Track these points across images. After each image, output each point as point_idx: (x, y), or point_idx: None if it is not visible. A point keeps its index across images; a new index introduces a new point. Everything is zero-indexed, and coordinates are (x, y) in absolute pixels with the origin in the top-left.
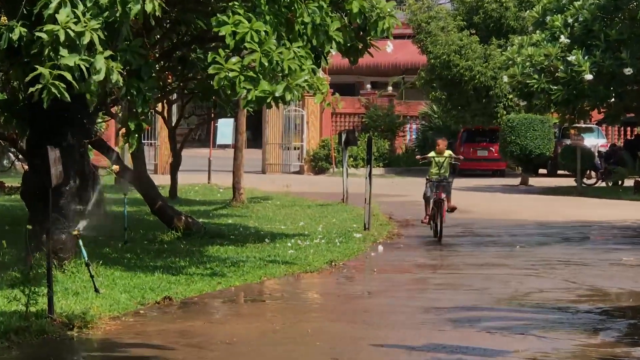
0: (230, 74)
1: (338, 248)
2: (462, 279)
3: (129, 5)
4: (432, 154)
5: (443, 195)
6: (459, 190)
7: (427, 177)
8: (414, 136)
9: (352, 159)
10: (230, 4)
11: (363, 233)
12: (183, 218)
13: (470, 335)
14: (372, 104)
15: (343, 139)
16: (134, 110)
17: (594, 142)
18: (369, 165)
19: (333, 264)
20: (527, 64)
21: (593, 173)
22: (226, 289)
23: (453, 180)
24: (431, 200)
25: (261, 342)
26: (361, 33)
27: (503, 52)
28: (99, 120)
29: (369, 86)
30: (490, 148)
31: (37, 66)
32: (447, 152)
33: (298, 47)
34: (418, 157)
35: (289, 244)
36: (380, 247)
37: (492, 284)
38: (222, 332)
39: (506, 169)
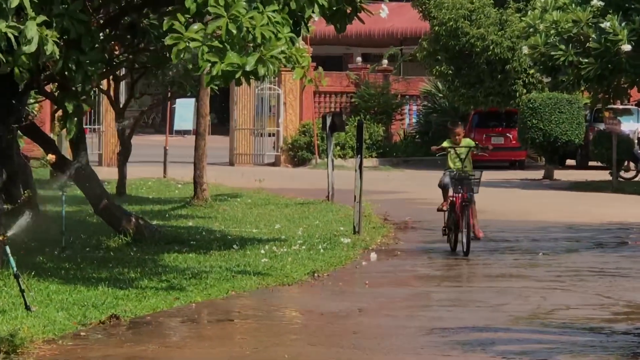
0: (191, 44)
1: (322, 256)
2: (472, 293)
3: None
4: (446, 143)
5: (459, 197)
6: None
7: (446, 171)
8: (414, 120)
9: (339, 148)
10: None
11: (352, 238)
12: (133, 220)
13: None
14: (364, 81)
15: (328, 124)
16: (73, 88)
17: (633, 126)
18: (359, 156)
19: (316, 275)
20: (552, 31)
21: (632, 165)
22: (185, 306)
23: (480, 179)
24: (450, 189)
25: None
26: None
27: (522, 18)
28: (31, 100)
29: (359, 59)
30: (507, 134)
31: None
32: (466, 141)
33: (273, 11)
34: (434, 148)
35: (262, 251)
36: (373, 255)
37: (509, 299)
38: (180, 359)
39: (526, 159)
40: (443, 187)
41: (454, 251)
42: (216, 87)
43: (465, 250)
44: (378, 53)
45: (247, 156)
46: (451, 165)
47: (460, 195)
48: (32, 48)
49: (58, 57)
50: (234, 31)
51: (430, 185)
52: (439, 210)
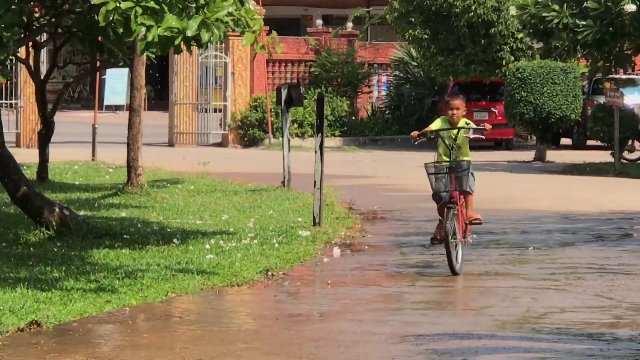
0: (122, 5)
1: (277, 251)
2: (451, 294)
3: None
4: (436, 124)
5: (459, 195)
6: None
7: (429, 164)
8: (383, 92)
9: (296, 126)
10: None
11: (312, 230)
12: (57, 210)
13: None
14: (325, 47)
15: (283, 97)
16: None
17: (638, 99)
18: (319, 134)
19: (269, 273)
20: None
21: (637, 144)
22: (118, 310)
23: (469, 166)
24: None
25: None
26: None
27: None
28: None
29: (319, 22)
30: (492, 109)
31: None
32: (462, 121)
33: None
34: (414, 133)
35: (207, 247)
36: (337, 250)
37: (495, 300)
38: None
39: (514, 138)
40: (438, 201)
41: (452, 272)
42: (152, 55)
43: (457, 264)
44: (342, 15)
45: (189, 135)
46: (440, 151)
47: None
48: None
49: None
50: None
51: (403, 169)
52: (433, 242)
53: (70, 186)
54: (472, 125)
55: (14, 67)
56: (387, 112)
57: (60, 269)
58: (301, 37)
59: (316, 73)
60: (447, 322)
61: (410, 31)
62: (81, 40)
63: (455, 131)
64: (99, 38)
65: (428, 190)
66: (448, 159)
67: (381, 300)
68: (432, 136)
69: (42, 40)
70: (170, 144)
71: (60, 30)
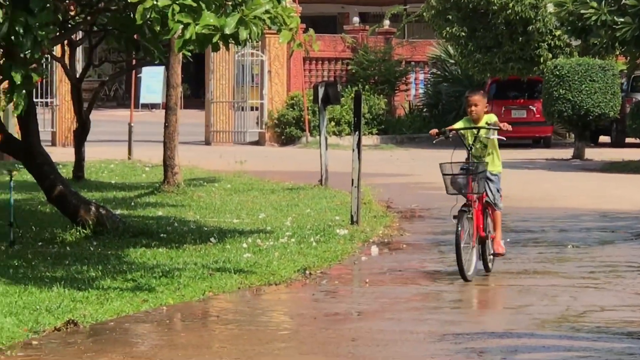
0: (160, 3)
1: (314, 250)
2: (490, 292)
3: None
4: (460, 123)
5: (474, 197)
6: None
7: (445, 164)
8: (421, 90)
9: (333, 124)
10: None
11: (350, 229)
12: (93, 209)
13: None
14: (362, 45)
15: (320, 95)
16: (21, 55)
17: None
18: (357, 133)
19: (307, 272)
20: None
21: None
22: (155, 309)
23: (499, 175)
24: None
25: None
26: None
27: None
28: None
29: (356, 19)
30: (530, 107)
31: None
32: (486, 117)
33: None
34: (433, 131)
35: (245, 245)
36: (374, 249)
37: (534, 299)
38: None
39: (553, 136)
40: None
41: (463, 278)
42: (189, 54)
43: (485, 266)
44: (379, 12)
45: (225, 134)
46: (472, 152)
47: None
48: None
49: (2, 19)
50: None
51: None
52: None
53: (106, 185)
54: (493, 122)
55: (49, 65)
56: (424, 110)
57: (97, 268)
58: (338, 35)
59: (353, 71)
60: (486, 320)
61: (448, 29)
62: (117, 38)
63: (475, 130)
64: (135, 36)
65: None
66: (467, 160)
67: (419, 299)
68: (450, 135)
69: (78, 39)
70: (207, 143)
71: (95, 29)
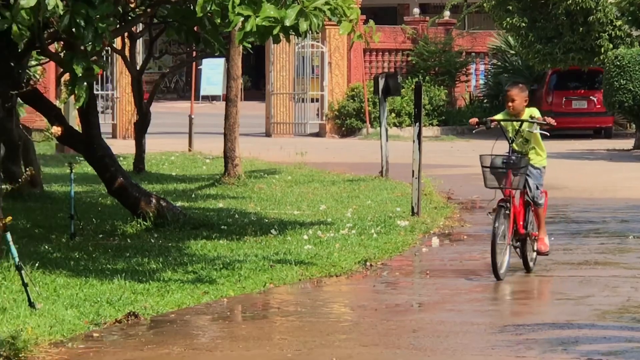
0: None
1: (375, 242)
2: (551, 283)
3: None
4: (501, 115)
5: (514, 192)
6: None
7: (485, 155)
8: (481, 81)
9: (393, 115)
10: None
11: (410, 220)
12: (154, 201)
13: None
14: (422, 36)
15: (381, 87)
16: (82, 47)
17: None
18: (417, 124)
19: (368, 264)
20: None
21: None
22: (216, 301)
23: (542, 170)
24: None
25: None
26: None
27: None
28: (32, 63)
29: (417, 10)
30: (591, 97)
31: None
32: (528, 112)
33: None
34: (473, 120)
35: (305, 237)
36: (435, 240)
37: (595, 290)
38: None
39: (614, 126)
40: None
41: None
42: (249, 45)
43: (525, 264)
44: (439, 3)
45: (286, 125)
46: (513, 146)
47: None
48: (31, 2)
49: (63, 12)
50: None
51: None
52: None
53: (167, 177)
54: (537, 117)
55: (109, 58)
56: (485, 100)
57: (157, 260)
58: (398, 26)
59: (413, 62)
60: (546, 311)
61: (508, 19)
62: (177, 31)
63: (517, 123)
64: (195, 28)
65: None
66: (507, 154)
67: (480, 290)
68: (491, 125)
69: (138, 31)
70: (268, 134)
71: (155, 21)
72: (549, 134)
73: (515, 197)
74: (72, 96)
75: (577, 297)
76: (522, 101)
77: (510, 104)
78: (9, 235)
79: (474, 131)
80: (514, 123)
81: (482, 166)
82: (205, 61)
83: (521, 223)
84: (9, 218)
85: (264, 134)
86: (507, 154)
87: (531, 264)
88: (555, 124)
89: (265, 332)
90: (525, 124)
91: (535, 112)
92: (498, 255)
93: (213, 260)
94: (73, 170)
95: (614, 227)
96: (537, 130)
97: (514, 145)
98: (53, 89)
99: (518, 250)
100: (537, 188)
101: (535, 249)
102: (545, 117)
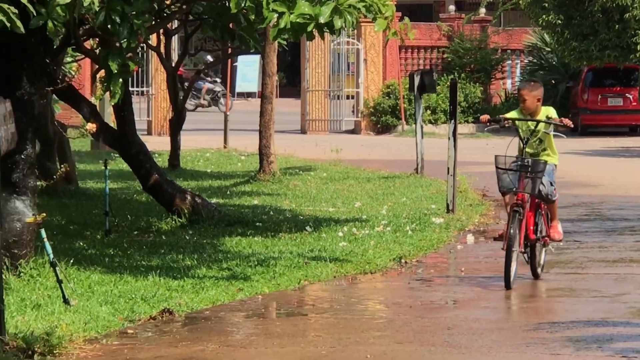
0: None
1: (410, 239)
2: (586, 281)
3: None
4: (514, 113)
5: (526, 197)
6: (580, 156)
7: (500, 157)
8: (517, 79)
9: (429, 112)
10: None
11: (445, 217)
12: (189, 198)
13: None
14: (457, 33)
15: (416, 84)
16: (117, 44)
17: None
18: (453, 121)
19: (403, 261)
20: None
21: None
22: (250, 298)
23: (554, 167)
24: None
25: None
26: None
27: None
28: (68, 59)
29: (452, 7)
30: (627, 95)
31: None
32: (544, 111)
33: None
34: (485, 118)
35: (340, 234)
36: (470, 237)
37: (630, 287)
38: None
39: None
40: (501, 192)
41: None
42: (284, 42)
43: (533, 272)
44: (474, 0)
45: (321, 122)
46: (520, 144)
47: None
48: None
49: (99, 8)
50: None
51: None
52: (495, 239)
53: (202, 174)
54: (554, 118)
55: (145, 54)
56: None
57: (192, 257)
58: (434, 23)
59: (449, 59)
60: (581, 309)
61: (544, 16)
62: (212, 27)
63: (532, 123)
64: (230, 25)
65: (563, 176)
66: (520, 155)
67: (515, 288)
68: (505, 124)
69: (173, 28)
70: (303, 131)
71: (191, 17)
72: (565, 136)
73: (527, 202)
74: (107, 93)
75: (612, 295)
76: (533, 100)
77: (521, 104)
78: (43, 232)
79: (485, 129)
80: (529, 123)
81: (497, 167)
82: (240, 58)
83: (532, 228)
84: (43, 215)
85: (299, 131)
86: (521, 156)
87: (539, 270)
88: (572, 125)
89: (300, 329)
90: (541, 125)
91: (551, 111)
92: (513, 263)
93: (248, 257)
94: (108, 167)
95: None
96: (552, 132)
97: (526, 146)
98: (88, 86)
99: (526, 256)
100: (552, 184)
101: (548, 235)
102: (562, 119)
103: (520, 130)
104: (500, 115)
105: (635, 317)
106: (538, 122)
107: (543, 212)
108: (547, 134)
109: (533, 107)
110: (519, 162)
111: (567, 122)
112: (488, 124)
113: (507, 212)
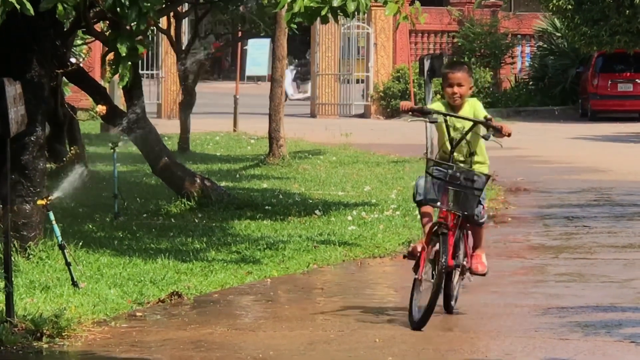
0: None
1: (418, 223)
2: (595, 266)
3: None
4: (439, 105)
5: (454, 221)
6: (590, 141)
7: (431, 160)
8: (527, 63)
9: (439, 96)
10: None
11: None
12: (198, 181)
13: (606, 347)
14: (468, 18)
15: (427, 68)
16: (127, 27)
17: None
18: None
19: (412, 245)
20: None
21: None
22: (259, 282)
23: (485, 183)
24: (429, 221)
25: (309, 357)
26: None
27: None
28: (77, 42)
29: None
30: (637, 80)
31: None
32: (470, 105)
33: None
34: (406, 105)
35: (350, 218)
36: None
37: (639, 273)
38: (253, 343)
39: None
40: (419, 204)
41: (411, 315)
42: (296, 27)
43: (446, 304)
44: None
45: (331, 106)
46: (442, 148)
47: (439, 211)
48: None
49: None
50: None
51: (547, 141)
52: (406, 257)
53: (211, 157)
54: (487, 117)
55: (155, 37)
56: (530, 83)
57: (201, 240)
58: (444, 8)
59: (459, 44)
60: (590, 294)
61: (554, 1)
62: (222, 11)
63: (466, 123)
64: (241, 8)
65: (572, 162)
66: (447, 164)
67: (524, 273)
68: (433, 119)
69: (184, 11)
70: (312, 115)
71: (201, 1)
72: (502, 146)
73: (453, 221)
74: (117, 76)
75: (621, 280)
76: (468, 88)
77: (456, 89)
78: (52, 214)
79: (409, 120)
80: (465, 122)
81: (426, 171)
82: (250, 42)
83: (450, 251)
84: (50, 197)
85: (309, 114)
86: (450, 164)
87: (453, 303)
88: (508, 132)
89: (309, 312)
90: (477, 126)
91: (479, 106)
92: (421, 294)
93: (257, 241)
94: (117, 150)
95: None
96: (490, 138)
97: (455, 150)
98: (98, 68)
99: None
100: (481, 202)
101: (469, 268)
102: (502, 124)
103: (450, 130)
104: (426, 107)
105: None
106: (479, 123)
107: (466, 232)
108: (480, 137)
109: (462, 100)
110: (448, 171)
111: (508, 129)
112: (410, 114)
113: (424, 228)
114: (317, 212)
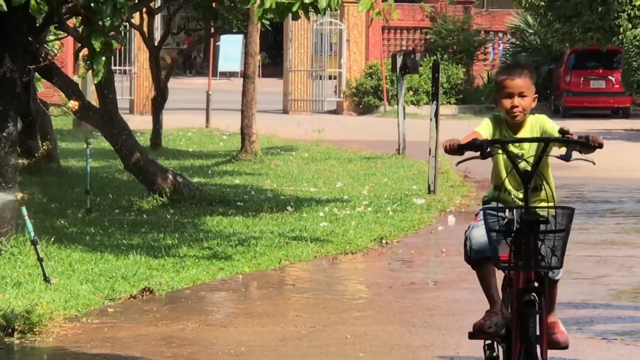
0: None
1: (391, 219)
2: (567, 263)
3: None
4: (487, 127)
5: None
6: None
7: (489, 208)
8: (499, 60)
9: (411, 93)
10: None
11: (427, 198)
12: (170, 177)
13: (577, 344)
14: (440, 14)
15: (399, 64)
16: (100, 22)
17: None
18: (435, 102)
19: (384, 241)
20: None
21: None
22: (231, 278)
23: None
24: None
25: (280, 354)
26: None
27: None
28: (50, 37)
29: None
30: (609, 77)
31: None
32: (536, 121)
33: None
34: (452, 144)
35: (321, 214)
36: (452, 218)
37: (610, 270)
38: (224, 339)
39: (632, 106)
40: (476, 260)
41: None
42: (268, 22)
43: None
44: None
45: (303, 102)
46: (508, 186)
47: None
48: None
49: None
50: None
51: None
52: (473, 335)
53: (183, 153)
54: (554, 132)
55: (127, 33)
56: None
57: (173, 236)
58: (417, 4)
59: (432, 40)
60: (562, 291)
61: None
62: (195, 7)
63: (534, 146)
64: (213, 5)
65: None
66: (521, 200)
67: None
68: (492, 152)
69: (156, 7)
70: (285, 111)
71: None
72: (594, 163)
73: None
74: (90, 71)
75: (593, 277)
76: (532, 98)
77: (514, 101)
78: (24, 210)
79: (457, 164)
80: (526, 145)
81: (486, 223)
82: (223, 37)
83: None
84: (24, 193)
85: (281, 111)
86: (522, 206)
87: None
88: (602, 146)
89: (280, 308)
90: (550, 147)
91: (548, 122)
92: None
93: (229, 237)
94: (90, 146)
95: (630, 207)
96: (562, 156)
97: (531, 184)
98: (71, 64)
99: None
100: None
101: (554, 341)
102: (589, 134)
103: (514, 161)
104: (484, 139)
105: (615, 299)
106: (548, 140)
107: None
108: (564, 159)
109: (528, 110)
110: (525, 217)
111: (597, 138)
112: (458, 153)
113: (499, 301)
114: (289, 208)
